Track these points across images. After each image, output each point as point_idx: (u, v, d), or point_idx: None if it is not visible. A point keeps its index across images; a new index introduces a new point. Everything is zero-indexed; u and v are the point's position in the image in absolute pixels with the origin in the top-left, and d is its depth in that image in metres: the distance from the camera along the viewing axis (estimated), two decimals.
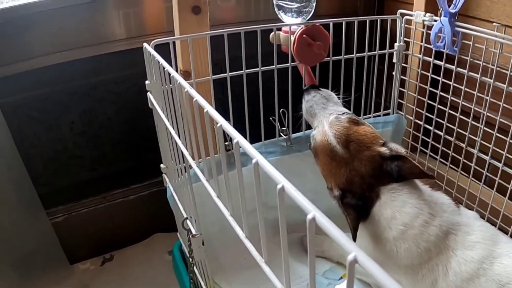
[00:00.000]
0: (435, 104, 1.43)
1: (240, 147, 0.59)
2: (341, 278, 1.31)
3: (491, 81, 1.24)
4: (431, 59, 1.41)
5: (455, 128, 1.39)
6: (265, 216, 1.34)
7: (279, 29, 1.30)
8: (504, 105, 1.22)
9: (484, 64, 1.25)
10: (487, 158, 1.32)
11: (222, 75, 1.22)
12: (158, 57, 0.96)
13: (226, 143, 1.23)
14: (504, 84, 1.21)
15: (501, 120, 1.25)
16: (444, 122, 1.42)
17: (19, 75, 1.42)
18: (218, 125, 0.63)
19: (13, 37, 1.38)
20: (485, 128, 1.30)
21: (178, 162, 1.03)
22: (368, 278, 1.23)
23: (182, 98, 0.81)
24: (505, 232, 1.25)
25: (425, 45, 1.42)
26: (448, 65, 1.36)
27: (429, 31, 1.36)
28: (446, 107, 1.40)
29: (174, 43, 1.17)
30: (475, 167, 1.36)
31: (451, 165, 1.45)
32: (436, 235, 0.93)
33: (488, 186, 1.35)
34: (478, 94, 1.29)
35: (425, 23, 1.37)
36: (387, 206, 0.96)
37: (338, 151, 1.01)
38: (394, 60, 1.47)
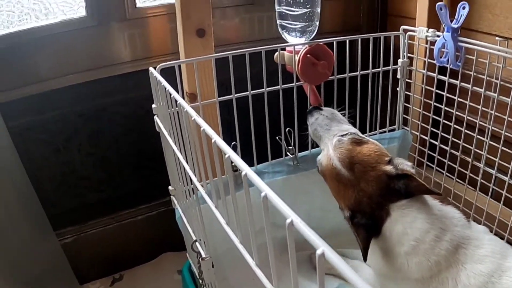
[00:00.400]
0: (440, 119, 1.42)
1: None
2: None
3: (495, 95, 1.23)
4: (435, 75, 1.39)
5: (460, 142, 1.37)
6: (273, 235, 1.33)
7: (284, 49, 1.29)
8: (509, 118, 1.21)
9: (488, 78, 1.24)
10: (493, 171, 1.30)
11: (228, 97, 1.22)
12: (164, 82, 0.96)
13: (233, 163, 1.23)
14: (508, 98, 1.20)
15: (506, 133, 1.24)
16: (449, 137, 1.40)
17: (27, 98, 1.42)
18: (226, 156, 0.62)
19: (21, 61, 1.38)
20: (491, 142, 1.29)
21: (186, 184, 1.02)
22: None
23: (189, 124, 0.80)
24: None
25: (429, 60, 1.40)
26: (452, 80, 1.34)
27: (432, 47, 1.34)
28: (451, 122, 1.38)
29: (180, 66, 1.16)
30: (482, 181, 1.34)
31: (457, 179, 1.43)
32: (446, 249, 0.93)
33: (495, 200, 1.34)
34: (483, 108, 1.27)
35: (428, 38, 1.35)
36: (398, 222, 0.95)
37: (344, 174, 1.00)
38: (398, 76, 1.45)
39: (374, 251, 1.00)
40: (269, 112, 1.27)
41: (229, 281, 1.31)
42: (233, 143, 1.22)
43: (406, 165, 1.00)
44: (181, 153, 0.94)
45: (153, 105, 1.10)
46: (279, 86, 1.26)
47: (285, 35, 1.30)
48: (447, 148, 1.42)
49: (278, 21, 1.29)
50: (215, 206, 0.81)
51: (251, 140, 1.27)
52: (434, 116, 1.46)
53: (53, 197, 1.58)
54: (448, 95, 1.37)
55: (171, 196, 1.22)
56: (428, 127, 1.48)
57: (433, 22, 1.42)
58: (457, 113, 1.36)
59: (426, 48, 1.39)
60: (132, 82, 1.55)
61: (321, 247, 0.45)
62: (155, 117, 1.10)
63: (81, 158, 1.59)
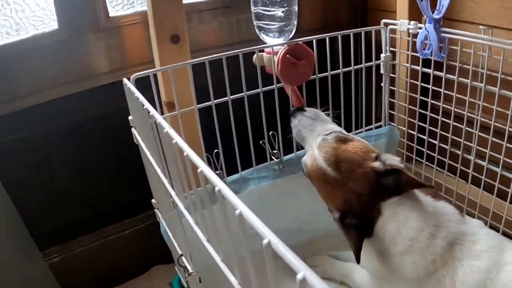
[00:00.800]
0: (427, 112, 1.38)
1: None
2: None
3: (482, 85, 1.19)
4: (419, 67, 1.35)
5: (449, 135, 1.33)
6: (259, 247, 1.27)
7: (262, 51, 1.24)
8: (498, 108, 1.17)
9: (473, 68, 1.20)
10: (484, 163, 1.26)
11: (207, 103, 1.15)
12: (137, 93, 0.91)
13: (217, 172, 1.18)
14: (495, 87, 1.16)
15: (495, 123, 1.19)
16: (437, 130, 1.37)
17: (3, 118, 1.35)
18: (199, 170, 0.56)
19: None
20: (480, 133, 1.26)
21: (167, 197, 0.96)
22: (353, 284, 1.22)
23: (163, 137, 0.75)
24: (509, 236, 1.20)
25: (412, 53, 1.36)
26: (437, 72, 1.31)
27: (414, 39, 1.31)
28: (438, 115, 1.35)
29: (156, 75, 1.10)
30: (473, 173, 1.31)
31: (448, 173, 1.40)
32: (442, 246, 0.90)
33: (487, 192, 1.30)
34: (470, 99, 1.24)
35: (410, 31, 1.31)
36: (391, 221, 0.92)
37: (330, 174, 0.96)
38: (382, 71, 1.41)
39: (367, 253, 0.97)
40: (251, 116, 1.22)
41: None
42: (215, 150, 1.16)
43: (394, 160, 0.98)
44: (160, 165, 0.88)
45: (130, 117, 1.05)
46: (259, 89, 1.20)
47: (263, 36, 1.24)
48: (436, 142, 1.39)
49: (254, 22, 1.24)
50: (195, 221, 0.75)
51: (234, 146, 1.22)
52: (420, 110, 1.43)
53: (37, 216, 1.51)
54: (433, 87, 1.33)
55: (155, 209, 1.16)
56: (415, 121, 1.45)
57: (415, 14, 1.37)
58: (444, 105, 1.32)
59: (408, 41, 1.35)
60: (110, 94, 1.47)
61: (302, 271, 0.41)
62: (133, 129, 1.05)
63: (63, 175, 1.53)
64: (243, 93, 1.18)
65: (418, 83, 1.38)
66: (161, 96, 1.21)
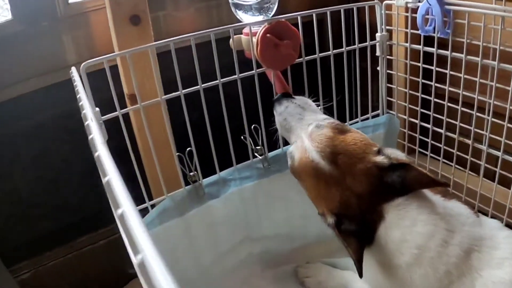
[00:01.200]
0: (431, 98, 1.22)
1: None
2: None
3: (495, 63, 1.03)
4: (420, 47, 1.19)
5: (457, 123, 1.18)
6: (250, 251, 1.09)
7: (241, 33, 1.07)
8: None
9: (484, 44, 1.04)
10: (499, 153, 1.11)
11: (174, 93, 0.96)
12: (77, 81, 0.78)
13: (192, 173, 1.00)
14: (510, 65, 1.00)
15: (511, 108, 1.03)
16: (443, 118, 1.21)
17: None
18: (105, 180, 0.38)
19: None
20: (493, 119, 1.10)
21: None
22: None
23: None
24: None
25: (411, 31, 1.20)
26: (441, 51, 1.14)
27: (414, 15, 1.15)
28: (444, 100, 1.19)
29: (116, 64, 0.92)
30: (486, 165, 1.16)
31: (457, 166, 1.24)
32: (457, 255, 0.77)
33: (502, 185, 1.15)
34: (481, 80, 1.08)
35: (409, 5, 1.16)
36: (395, 227, 0.78)
37: (324, 168, 0.81)
38: (378, 53, 1.25)
39: (368, 263, 0.82)
40: (230, 107, 1.05)
41: None
42: (188, 149, 0.98)
43: (400, 155, 0.84)
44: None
45: (83, 112, 0.86)
46: (236, 76, 1.01)
47: (239, 15, 1.07)
48: (442, 131, 1.23)
49: (230, 0, 1.05)
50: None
51: (216, 143, 1.05)
52: (423, 95, 1.27)
53: (2, 231, 1.36)
54: (438, 69, 1.17)
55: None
56: (417, 108, 1.30)
57: None
58: (450, 89, 1.17)
59: (407, 17, 1.20)
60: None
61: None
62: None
63: (28, 184, 1.36)
64: (217, 81, 0.99)
65: (420, 64, 1.21)
66: (124, 88, 1.02)
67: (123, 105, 0.96)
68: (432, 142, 1.27)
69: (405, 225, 0.78)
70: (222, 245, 1.10)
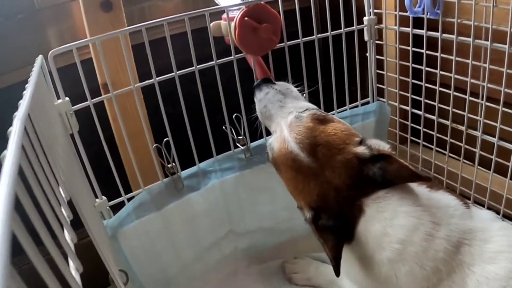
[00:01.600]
0: (422, 83, 1.15)
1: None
2: None
3: (488, 43, 0.95)
4: (409, 29, 1.12)
5: (450, 108, 1.11)
6: (235, 246, 1.02)
7: (220, 18, 1.00)
8: (508, 71, 0.94)
9: (476, 23, 0.96)
10: (494, 140, 1.03)
11: (148, 81, 0.90)
12: (34, 71, 0.72)
13: (170, 165, 0.93)
14: (504, 44, 0.92)
15: (506, 90, 0.96)
16: (435, 104, 1.14)
17: None
18: None
19: None
20: (488, 103, 1.02)
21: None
22: None
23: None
24: None
25: (400, 13, 1.12)
26: (431, 33, 1.08)
27: None
28: (435, 85, 1.12)
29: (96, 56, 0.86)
30: (481, 152, 1.09)
31: (450, 154, 1.17)
32: (444, 249, 0.70)
33: (498, 174, 1.08)
34: (474, 62, 1.01)
35: None
36: (375, 220, 0.73)
37: (303, 160, 0.77)
38: (366, 38, 1.18)
39: (350, 261, 0.78)
40: (211, 97, 0.98)
41: None
42: (165, 139, 0.93)
43: (383, 146, 0.80)
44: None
45: (55, 102, 0.83)
46: (213, 62, 0.94)
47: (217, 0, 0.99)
48: (434, 118, 1.16)
49: None
50: None
51: (195, 133, 0.99)
52: (414, 81, 1.19)
53: None
54: (428, 52, 1.10)
55: None
56: (408, 94, 1.21)
57: None
58: (442, 73, 1.10)
59: None
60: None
61: None
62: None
63: None
64: (193, 67, 0.92)
65: (410, 48, 1.14)
66: (98, 77, 0.96)
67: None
68: (425, 130, 1.21)
69: (385, 218, 0.72)
70: (204, 240, 1.04)
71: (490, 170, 1.07)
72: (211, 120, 1.00)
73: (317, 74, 1.09)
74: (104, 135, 0.90)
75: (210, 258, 1.07)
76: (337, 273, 0.73)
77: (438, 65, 1.09)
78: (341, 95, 1.17)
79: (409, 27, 1.12)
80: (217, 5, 0.98)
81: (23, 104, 0.47)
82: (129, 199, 0.96)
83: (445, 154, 1.18)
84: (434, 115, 1.16)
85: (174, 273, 1.03)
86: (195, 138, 0.99)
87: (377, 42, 1.20)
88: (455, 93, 1.08)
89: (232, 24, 0.95)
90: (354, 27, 1.13)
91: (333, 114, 1.13)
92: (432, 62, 1.11)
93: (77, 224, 1.36)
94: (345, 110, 1.19)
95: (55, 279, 0.33)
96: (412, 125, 1.25)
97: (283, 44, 1.01)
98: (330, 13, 1.05)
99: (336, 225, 0.74)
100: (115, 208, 0.96)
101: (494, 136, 1.04)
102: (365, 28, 1.16)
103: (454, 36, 1.01)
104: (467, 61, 1.01)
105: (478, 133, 1.07)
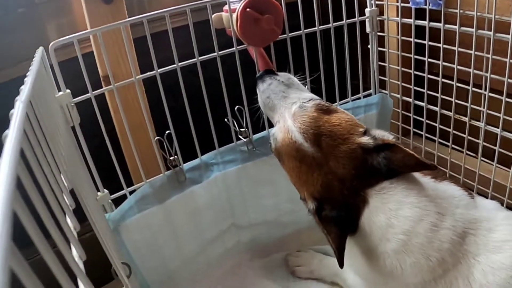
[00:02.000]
0: (425, 75, 1.14)
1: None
2: None
3: (491, 33, 0.94)
4: (411, 21, 1.10)
5: (453, 100, 1.10)
6: (238, 239, 1.01)
7: (221, 10, 0.99)
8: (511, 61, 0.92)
9: (479, 14, 0.95)
10: (497, 131, 1.02)
11: (149, 73, 0.89)
12: (35, 62, 0.70)
13: (172, 157, 0.93)
14: (507, 35, 0.91)
15: (510, 81, 0.95)
16: (438, 95, 1.13)
17: None
18: None
19: None
20: (491, 94, 1.01)
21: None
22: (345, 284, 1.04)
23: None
24: None
25: (402, 4, 1.12)
26: (434, 24, 1.06)
27: None
28: (438, 77, 1.11)
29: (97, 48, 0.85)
30: (484, 143, 1.08)
31: (453, 146, 1.16)
32: (450, 240, 0.70)
33: (502, 165, 1.08)
34: (477, 53, 0.99)
35: None
36: (379, 211, 0.72)
37: (307, 150, 0.76)
38: (368, 30, 1.17)
39: (354, 252, 0.78)
40: (214, 89, 0.97)
41: None
42: (167, 131, 0.92)
43: (387, 137, 0.78)
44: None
45: (56, 95, 0.83)
46: (215, 54, 0.93)
47: None
48: (437, 109, 1.15)
49: None
50: None
51: (197, 126, 0.98)
52: (416, 72, 1.18)
53: None
54: (431, 43, 1.09)
55: None
56: (411, 86, 1.21)
57: None
58: (444, 64, 1.09)
59: None
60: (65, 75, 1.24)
61: None
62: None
63: None
64: (195, 59, 0.91)
65: (412, 39, 1.13)
66: (99, 70, 0.95)
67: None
68: (427, 121, 1.20)
69: (390, 209, 0.71)
70: (207, 233, 1.03)
71: (493, 161, 1.06)
72: (213, 112, 0.99)
73: (319, 66, 1.07)
74: (105, 128, 0.89)
75: (212, 252, 1.06)
76: (341, 264, 0.73)
77: (441, 56, 1.07)
78: (343, 87, 1.16)
79: (411, 18, 1.10)
80: None
81: (25, 89, 0.46)
82: (131, 192, 0.95)
83: (448, 146, 1.17)
84: (436, 106, 1.14)
85: (177, 267, 1.02)
86: (197, 130, 0.98)
87: (379, 33, 1.19)
88: (458, 84, 1.07)
89: (234, 15, 0.94)
90: (356, 19, 1.11)
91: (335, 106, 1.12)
92: (435, 53, 1.09)
93: (79, 218, 1.36)
94: (347, 102, 1.18)
95: (58, 262, 0.32)
96: (415, 117, 1.24)
97: (285, 35, 1.00)
98: (332, 5, 1.04)
99: (339, 216, 0.73)
100: (117, 202, 0.95)
101: (497, 127, 1.02)
102: (367, 20, 1.15)
103: (456, 27, 1.00)
104: (470, 51, 1.00)
105: (481, 124, 1.06)
